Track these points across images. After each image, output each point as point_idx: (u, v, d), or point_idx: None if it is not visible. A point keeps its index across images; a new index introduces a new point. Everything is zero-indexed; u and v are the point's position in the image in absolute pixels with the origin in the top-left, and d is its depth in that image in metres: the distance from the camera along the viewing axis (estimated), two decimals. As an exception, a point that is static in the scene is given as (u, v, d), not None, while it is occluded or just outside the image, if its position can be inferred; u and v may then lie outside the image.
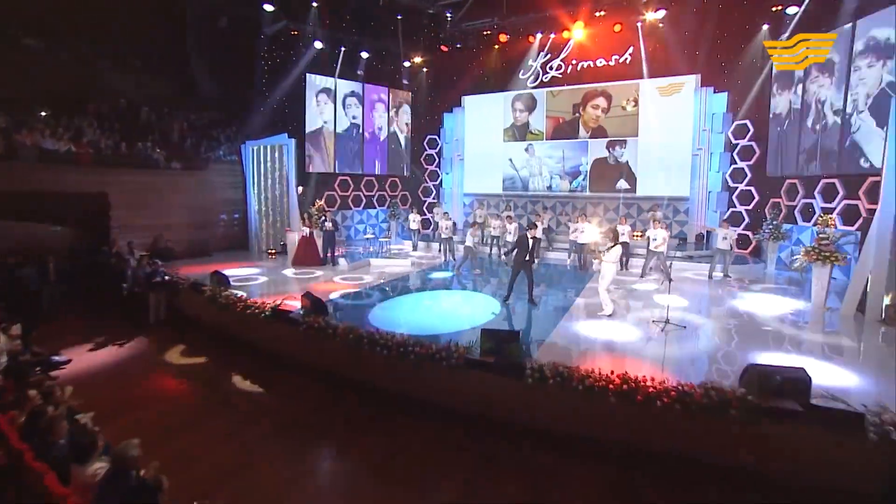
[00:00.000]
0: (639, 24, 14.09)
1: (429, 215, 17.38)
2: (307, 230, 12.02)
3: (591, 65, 15.42)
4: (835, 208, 10.46)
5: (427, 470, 4.31)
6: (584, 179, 15.90)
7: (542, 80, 16.32)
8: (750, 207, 13.43)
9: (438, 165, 18.91)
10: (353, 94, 16.92)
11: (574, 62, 15.67)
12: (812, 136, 11.22)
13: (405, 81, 18.33)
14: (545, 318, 7.44)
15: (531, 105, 16.53)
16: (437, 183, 18.96)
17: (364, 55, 16.52)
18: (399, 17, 15.59)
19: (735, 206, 13.78)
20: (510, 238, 11.72)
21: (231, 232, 14.82)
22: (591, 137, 15.70)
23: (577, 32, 14.58)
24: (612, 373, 4.35)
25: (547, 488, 4.00)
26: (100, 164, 11.43)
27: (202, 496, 3.31)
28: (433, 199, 18.89)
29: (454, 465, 4.36)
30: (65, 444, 3.22)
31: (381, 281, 10.33)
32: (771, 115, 12.81)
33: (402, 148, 18.81)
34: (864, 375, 5.10)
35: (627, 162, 15.20)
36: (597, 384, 4.24)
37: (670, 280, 7.30)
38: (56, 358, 6.05)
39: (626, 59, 14.87)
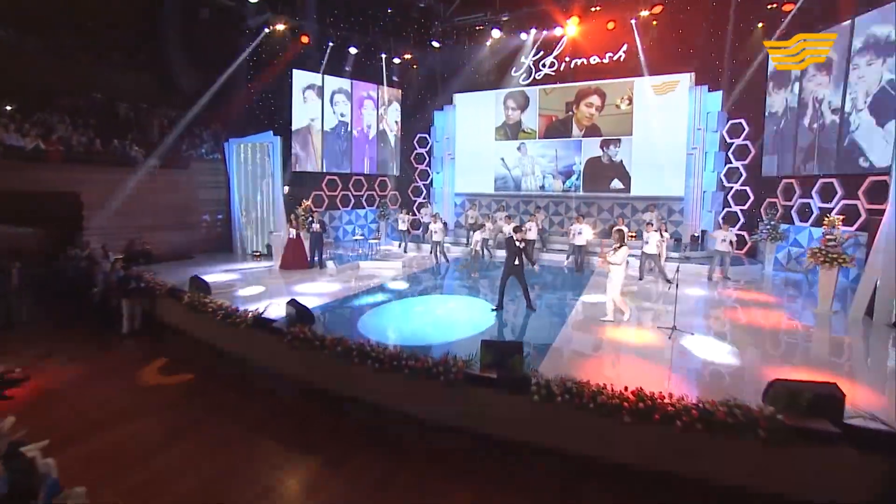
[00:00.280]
0: (633, 21, 13.85)
1: (418, 215, 16.96)
2: (294, 231, 11.55)
3: (585, 62, 15.14)
4: (833, 208, 10.32)
5: (427, 494, 3.91)
6: (577, 179, 15.63)
7: (534, 78, 16.02)
8: (745, 207, 13.28)
9: (429, 164, 18.50)
10: (340, 90, 16.42)
11: (567, 59, 15.38)
12: (809, 135, 11.07)
13: (395, 78, 17.88)
14: (546, 325, 7.09)
15: (523, 103, 16.20)
16: (428, 182, 18.55)
17: (352, 51, 16.02)
18: (389, 11, 15.14)
19: (730, 206, 13.62)
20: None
21: (214, 233, 14.24)
22: (584, 136, 15.43)
23: (571, 29, 14.29)
24: (626, 389, 4.00)
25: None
26: (71, 162, 10.79)
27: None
28: (423, 198, 18.48)
29: (458, 486, 3.97)
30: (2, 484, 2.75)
31: (372, 285, 9.91)
32: (766, 114, 12.66)
33: (392, 146, 18.35)
34: (878, 387, 4.84)
35: (622, 161, 14.96)
36: (610, 401, 3.88)
37: (668, 281, 6.99)
38: (11, 375, 5.49)
39: (621, 56, 14.62)
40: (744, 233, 12.94)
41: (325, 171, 16.23)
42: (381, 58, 16.79)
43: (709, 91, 13.85)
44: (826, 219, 7.58)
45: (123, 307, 7.96)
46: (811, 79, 11.04)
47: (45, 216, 10.17)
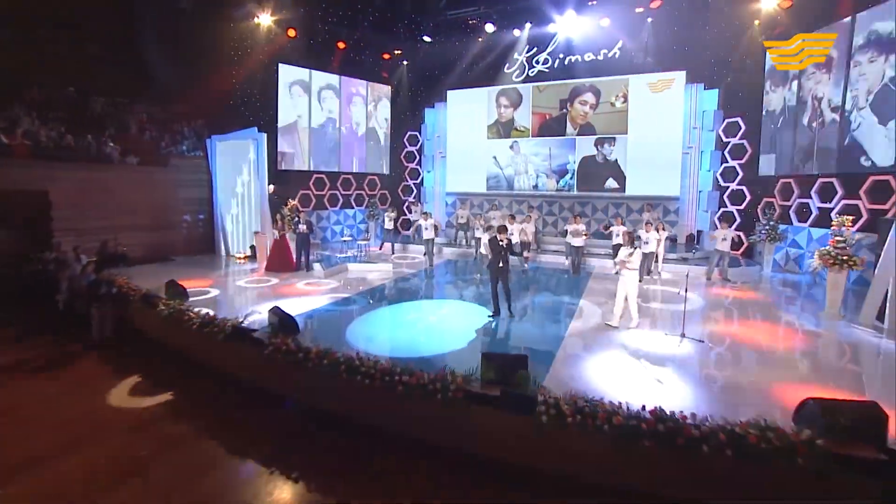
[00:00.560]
0: (628, 18, 13.57)
1: (408, 215, 16.49)
2: (278, 233, 11.03)
3: (579, 59, 14.84)
4: (833, 208, 10.13)
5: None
6: (571, 178, 15.32)
7: (528, 75, 15.69)
8: (741, 207, 13.09)
9: (419, 163, 18.06)
10: (328, 86, 15.88)
11: (561, 56, 15.07)
12: (808, 134, 10.87)
13: (385, 74, 17.38)
14: (546, 332, 6.71)
15: (516, 100, 15.85)
16: (418, 181, 18.10)
17: (341, 45, 15.48)
18: (378, 5, 14.65)
19: (726, 206, 13.42)
20: (515, 239, 10.72)
21: (195, 234, 13.60)
22: (578, 134, 15.13)
23: (566, 25, 13.97)
24: (644, 408, 3.62)
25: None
26: (39, 158, 10.12)
27: None
28: (414, 198, 18.02)
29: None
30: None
31: (361, 289, 9.44)
32: (764, 113, 12.47)
33: (382, 144, 17.86)
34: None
35: (616, 160, 14.68)
36: (629, 423, 3.50)
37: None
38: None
39: (616, 53, 14.35)
40: (740, 233, 12.74)
41: (312, 169, 15.68)
42: (371, 53, 16.29)
43: (704, 89, 13.65)
44: (835, 219, 7.28)
45: (93, 314, 7.39)
46: (810, 77, 10.84)
47: (10, 216, 9.52)
